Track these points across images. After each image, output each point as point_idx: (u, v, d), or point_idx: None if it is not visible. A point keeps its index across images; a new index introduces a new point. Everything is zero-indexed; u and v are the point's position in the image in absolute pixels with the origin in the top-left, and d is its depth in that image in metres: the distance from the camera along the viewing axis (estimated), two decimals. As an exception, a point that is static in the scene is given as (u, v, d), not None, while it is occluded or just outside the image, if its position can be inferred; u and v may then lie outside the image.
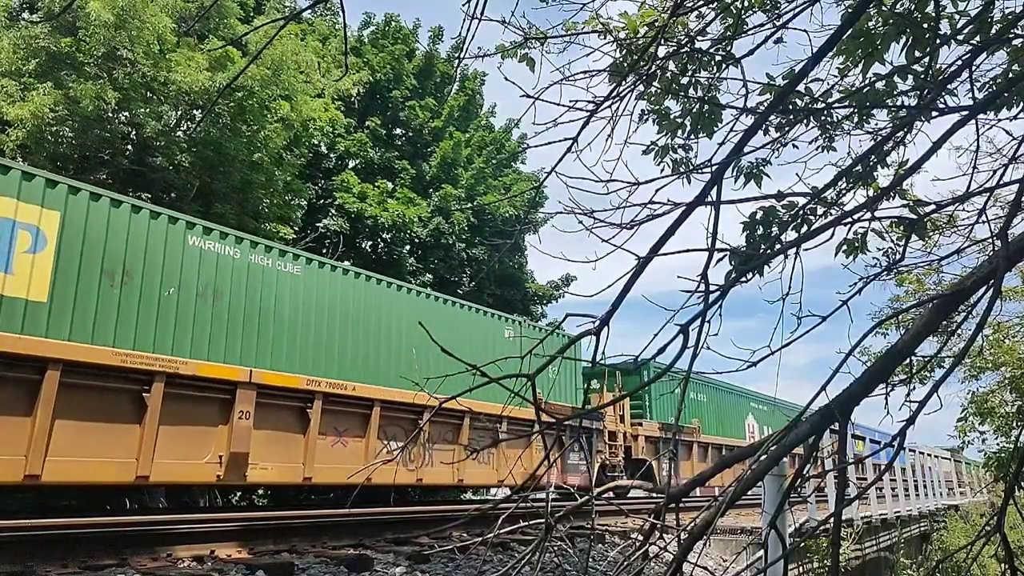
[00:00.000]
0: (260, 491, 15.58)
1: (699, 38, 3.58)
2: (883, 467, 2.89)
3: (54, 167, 13.78)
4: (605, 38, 3.59)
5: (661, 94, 3.68)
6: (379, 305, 11.58)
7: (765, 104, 3.42)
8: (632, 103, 3.46)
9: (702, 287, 2.50)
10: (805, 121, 3.61)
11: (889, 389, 2.47)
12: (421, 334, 11.06)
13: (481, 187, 23.35)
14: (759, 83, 3.43)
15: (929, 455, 18.12)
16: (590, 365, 2.47)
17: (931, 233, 3.75)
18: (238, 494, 15.22)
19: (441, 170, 22.84)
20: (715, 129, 3.67)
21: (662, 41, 3.40)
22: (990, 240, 2.72)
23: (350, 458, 10.36)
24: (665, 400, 18.44)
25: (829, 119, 3.65)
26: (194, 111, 15.00)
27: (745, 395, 24.00)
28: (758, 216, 3.32)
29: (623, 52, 3.56)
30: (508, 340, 13.69)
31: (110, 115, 14.07)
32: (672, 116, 3.75)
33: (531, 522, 2.76)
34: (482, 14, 2.58)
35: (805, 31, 3.20)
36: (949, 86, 3.13)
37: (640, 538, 2.51)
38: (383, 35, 23.87)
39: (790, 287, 2.75)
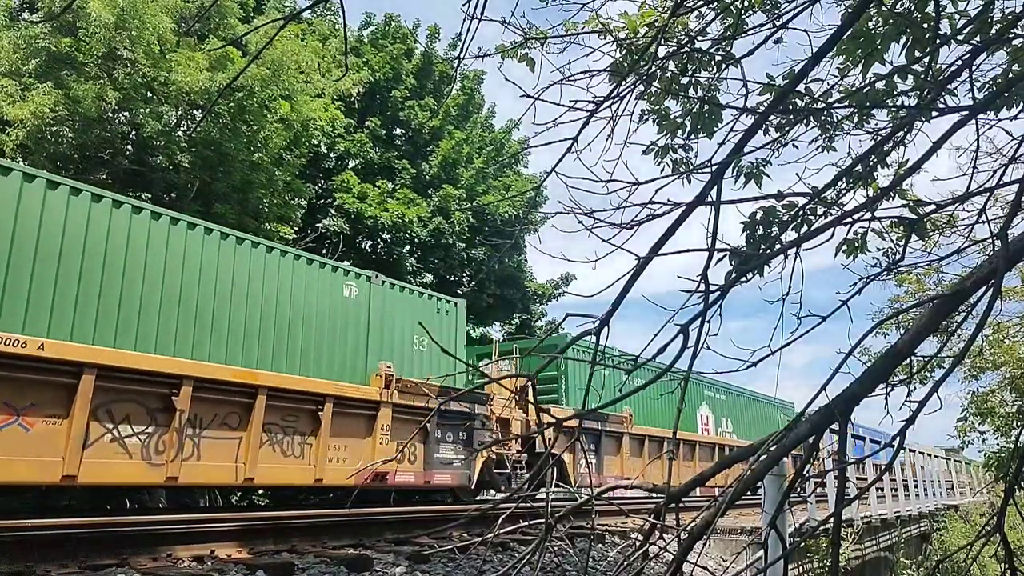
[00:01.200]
0: (261, 491, 15.58)
1: (699, 38, 3.58)
2: (883, 467, 2.89)
3: (54, 167, 13.79)
4: (605, 38, 3.59)
5: (661, 94, 3.68)
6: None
7: (765, 104, 3.42)
8: (632, 103, 3.46)
9: (702, 287, 2.50)
10: (805, 121, 3.61)
11: (889, 389, 2.47)
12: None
13: (481, 187, 23.36)
14: (759, 83, 3.43)
15: (922, 453, 17.74)
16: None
17: (931, 233, 3.75)
18: (238, 494, 15.21)
19: (441, 170, 22.86)
20: (715, 129, 3.67)
21: (662, 41, 3.40)
22: (990, 240, 2.72)
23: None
24: (589, 382, 16.17)
25: (829, 119, 3.65)
26: (194, 111, 15.01)
27: (696, 381, 21.92)
28: (758, 216, 3.32)
29: (623, 52, 3.56)
30: (350, 299, 11.13)
31: (110, 115, 14.08)
32: (672, 116, 3.75)
33: (531, 522, 2.77)
34: (482, 14, 2.59)
35: (805, 31, 3.21)
36: (949, 86, 3.13)
37: (640, 538, 2.51)
38: (383, 35, 23.89)
39: (790, 287, 2.75)
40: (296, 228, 18.62)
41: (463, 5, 2.57)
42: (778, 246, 3.07)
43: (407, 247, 21.19)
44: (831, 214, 3.21)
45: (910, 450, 16.42)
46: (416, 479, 11.20)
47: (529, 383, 2.34)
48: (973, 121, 2.72)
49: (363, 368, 11.06)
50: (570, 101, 3.08)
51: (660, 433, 17.46)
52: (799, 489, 8.86)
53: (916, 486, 16.11)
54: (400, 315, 11.98)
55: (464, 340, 13.36)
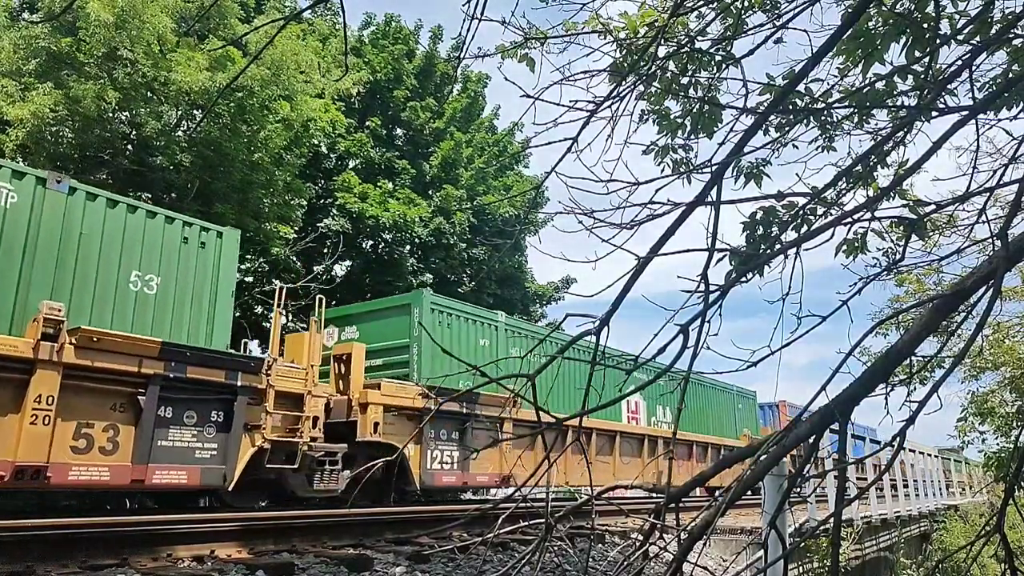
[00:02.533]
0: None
1: (699, 38, 3.58)
2: (883, 467, 2.89)
3: (54, 167, 13.79)
4: (605, 38, 3.59)
5: (661, 94, 3.68)
6: None
7: (765, 104, 3.42)
8: (632, 103, 3.46)
9: (702, 287, 2.50)
10: (805, 121, 3.61)
11: (889, 389, 2.47)
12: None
13: (481, 187, 23.37)
14: (759, 83, 3.43)
15: (912, 451, 16.86)
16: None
17: (931, 233, 3.75)
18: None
19: (442, 170, 22.87)
20: (715, 129, 3.67)
21: (662, 41, 3.40)
22: (990, 240, 2.73)
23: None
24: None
25: (829, 119, 3.65)
26: (194, 111, 15.01)
27: (625, 362, 15.57)
28: (758, 216, 3.32)
29: (623, 52, 3.56)
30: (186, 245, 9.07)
31: (110, 115, 14.09)
32: (672, 116, 3.75)
33: (531, 522, 2.77)
34: (482, 14, 2.59)
35: (805, 31, 3.21)
36: (949, 86, 3.13)
37: (640, 538, 2.51)
38: (383, 35, 23.90)
39: (790, 287, 2.75)
40: (297, 228, 18.63)
41: (463, 5, 2.57)
42: (778, 246, 3.07)
43: (408, 247, 21.19)
44: (831, 214, 3.21)
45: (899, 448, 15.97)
46: (114, 477, 7.54)
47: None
48: (973, 121, 2.72)
49: (16, 311, 7.56)
50: (570, 101, 3.09)
51: (570, 421, 13.87)
52: (799, 489, 8.87)
53: (906, 485, 15.87)
54: (110, 240, 8.46)
55: (233, 285, 9.85)
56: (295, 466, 9.35)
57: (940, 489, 18.61)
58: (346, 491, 10.22)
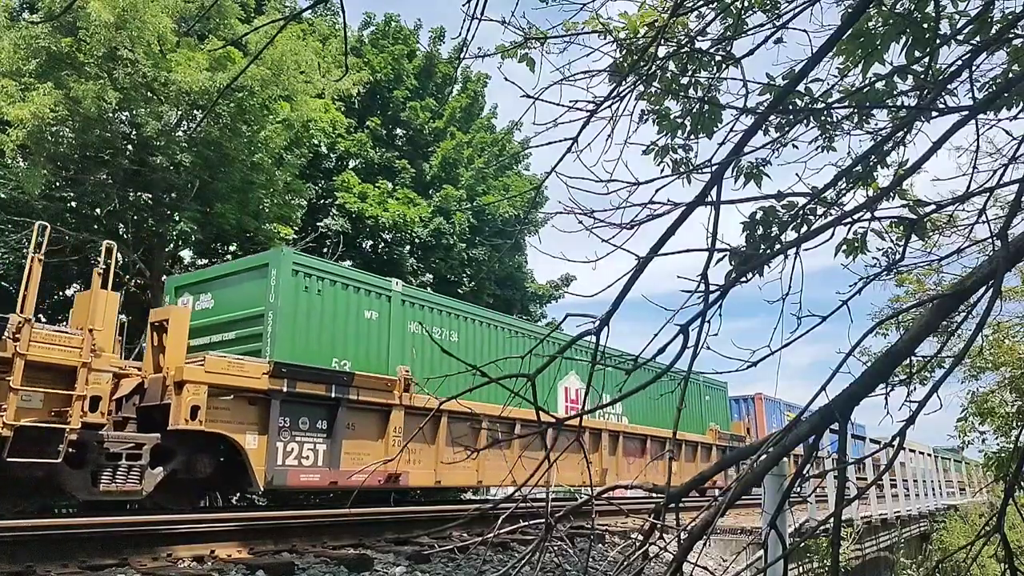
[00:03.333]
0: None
1: (699, 38, 3.58)
2: (883, 467, 2.89)
3: (54, 167, 13.81)
4: (605, 38, 3.59)
5: (661, 94, 3.68)
6: None
7: (765, 104, 3.42)
8: (632, 103, 3.46)
9: (702, 287, 2.50)
10: (805, 121, 3.61)
11: (889, 389, 2.47)
12: None
13: (481, 187, 23.37)
14: (759, 83, 3.43)
15: (912, 451, 16.43)
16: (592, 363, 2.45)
17: (931, 233, 3.75)
18: (238, 494, 15.18)
19: (442, 170, 22.88)
20: (715, 129, 3.67)
21: (662, 41, 3.40)
22: (990, 240, 2.72)
23: None
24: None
25: (829, 119, 3.65)
26: (194, 111, 15.01)
27: (555, 339, 13.15)
28: (758, 216, 3.32)
29: (623, 52, 3.56)
30: None
31: (110, 115, 14.09)
32: (672, 116, 3.75)
33: (531, 522, 2.77)
34: (482, 14, 2.59)
35: (805, 31, 3.21)
36: (949, 86, 3.13)
37: (640, 538, 2.51)
38: (383, 35, 23.91)
39: (790, 287, 2.74)
40: (296, 228, 18.63)
41: (463, 5, 2.57)
42: (778, 246, 3.07)
43: (408, 247, 21.20)
44: (831, 214, 3.21)
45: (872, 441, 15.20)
46: None
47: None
48: (973, 121, 2.71)
49: None
50: (570, 101, 3.09)
51: (483, 410, 11.09)
52: (799, 489, 8.87)
53: (895, 485, 15.65)
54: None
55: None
56: (56, 459, 7.21)
57: (937, 488, 18.54)
58: (162, 493, 8.46)
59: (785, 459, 3.30)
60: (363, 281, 11.04)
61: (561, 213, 2.89)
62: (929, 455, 18.37)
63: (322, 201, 21.31)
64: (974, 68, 3.03)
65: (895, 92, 3.42)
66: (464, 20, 2.59)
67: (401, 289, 11.57)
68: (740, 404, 25.14)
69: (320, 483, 9.47)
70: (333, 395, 9.56)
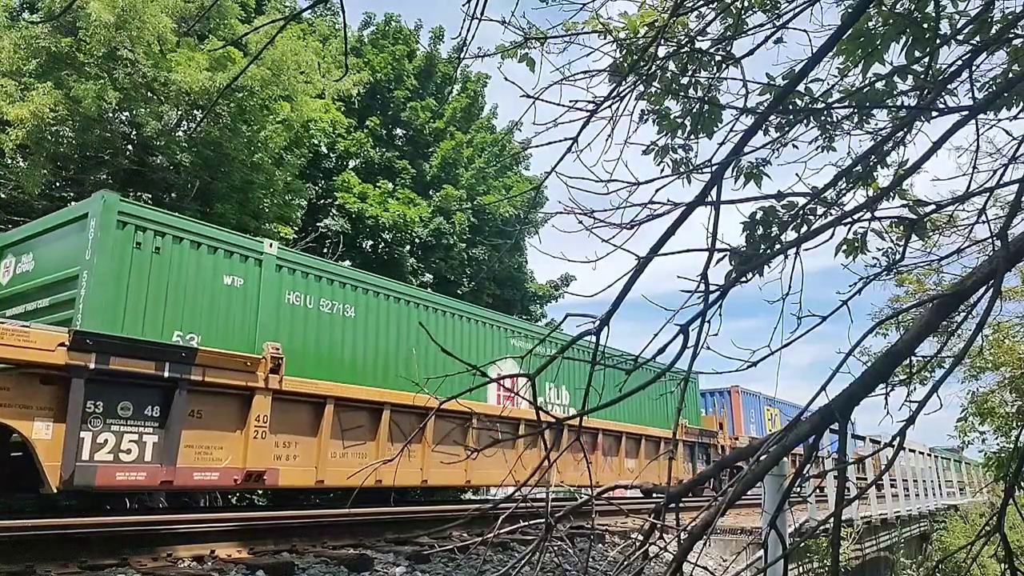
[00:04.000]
0: (259, 491, 15.57)
1: (699, 38, 3.59)
2: (883, 467, 2.89)
3: (54, 167, 13.81)
4: (605, 38, 3.60)
5: (661, 94, 3.68)
6: None
7: (765, 104, 3.42)
8: (632, 103, 3.46)
9: (702, 287, 2.50)
10: (805, 121, 3.61)
11: (889, 389, 2.47)
12: None
13: (481, 187, 23.38)
14: (759, 83, 3.43)
15: (911, 451, 16.20)
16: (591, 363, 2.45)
17: (931, 233, 3.75)
18: (237, 494, 15.20)
19: (442, 170, 22.88)
20: (715, 129, 3.67)
21: (662, 41, 3.40)
22: (990, 240, 2.72)
23: None
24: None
25: (829, 119, 3.65)
26: (194, 111, 15.01)
27: (492, 323, 12.98)
28: (758, 216, 3.32)
29: (623, 52, 3.56)
30: None
31: (110, 115, 14.09)
32: (672, 116, 3.75)
33: (531, 522, 2.77)
34: (482, 14, 2.59)
35: (805, 31, 3.21)
36: (949, 86, 3.13)
37: (640, 538, 2.51)
38: (383, 35, 23.90)
39: (790, 287, 2.75)
40: (297, 228, 18.63)
41: (463, 5, 2.57)
42: (778, 246, 3.07)
43: (408, 247, 21.20)
44: (831, 214, 3.21)
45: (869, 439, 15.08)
46: None
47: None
48: (973, 121, 2.72)
49: None
50: (570, 101, 3.09)
51: (380, 398, 10.04)
52: (799, 489, 8.88)
53: (892, 485, 15.61)
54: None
55: None
56: None
57: (936, 488, 18.52)
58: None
59: (785, 459, 3.30)
60: (223, 240, 8.99)
61: (561, 213, 2.89)
62: (928, 455, 18.38)
63: (322, 201, 21.29)
64: (974, 68, 3.03)
65: (895, 92, 3.42)
66: (464, 20, 2.59)
67: (276, 252, 9.52)
68: (715, 397, 24.20)
69: (146, 482, 7.69)
70: (167, 375, 7.61)
